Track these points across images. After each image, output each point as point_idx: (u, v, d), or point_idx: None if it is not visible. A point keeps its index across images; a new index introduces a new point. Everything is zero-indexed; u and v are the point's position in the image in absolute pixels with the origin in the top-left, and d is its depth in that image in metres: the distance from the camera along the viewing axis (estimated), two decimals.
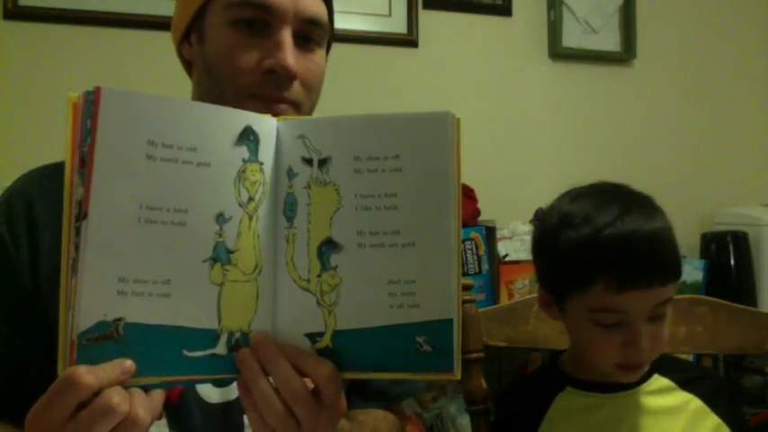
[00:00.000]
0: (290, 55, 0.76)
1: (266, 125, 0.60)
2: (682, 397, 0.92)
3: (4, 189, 0.79)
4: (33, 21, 1.71)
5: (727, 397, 0.95)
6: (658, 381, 0.93)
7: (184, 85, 0.86)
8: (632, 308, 0.83)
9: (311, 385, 0.58)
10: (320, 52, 0.82)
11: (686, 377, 0.94)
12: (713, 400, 0.92)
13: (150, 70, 1.74)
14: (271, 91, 0.76)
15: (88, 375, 0.50)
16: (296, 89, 0.78)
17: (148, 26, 1.77)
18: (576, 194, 0.90)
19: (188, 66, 0.86)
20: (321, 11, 0.80)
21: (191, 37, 0.82)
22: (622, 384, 0.91)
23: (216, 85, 0.78)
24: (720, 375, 1.10)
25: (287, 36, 0.76)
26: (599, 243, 0.83)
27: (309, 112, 0.82)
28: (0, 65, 1.69)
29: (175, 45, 0.86)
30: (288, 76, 0.76)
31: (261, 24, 0.76)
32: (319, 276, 0.58)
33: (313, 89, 0.81)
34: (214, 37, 0.78)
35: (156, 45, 1.76)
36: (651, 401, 0.91)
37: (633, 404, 0.91)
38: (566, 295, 0.87)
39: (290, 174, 0.60)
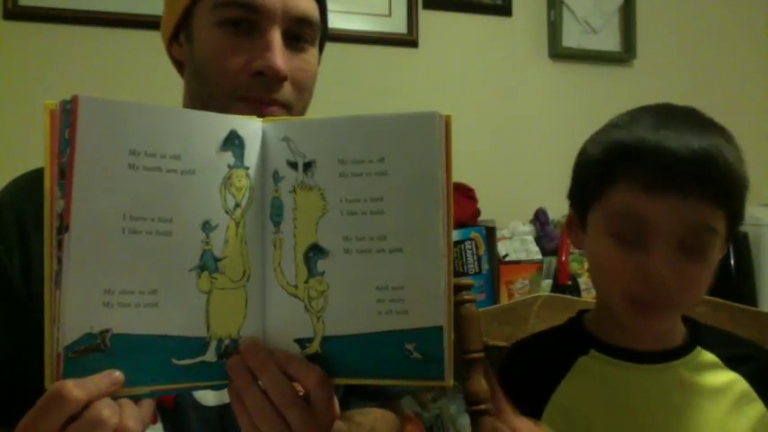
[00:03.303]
0: (278, 56, 0.74)
1: (251, 128, 0.59)
2: (726, 376, 0.78)
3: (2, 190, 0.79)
4: (33, 21, 1.71)
5: None
6: (701, 355, 0.79)
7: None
8: (658, 219, 0.70)
9: (302, 391, 0.58)
10: (312, 51, 0.80)
11: (734, 353, 0.80)
12: (763, 385, 0.79)
13: (150, 70, 1.73)
14: (260, 93, 0.75)
15: (76, 389, 0.50)
16: (286, 90, 0.76)
17: (148, 26, 1.75)
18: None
19: (179, 65, 0.85)
20: (312, 8, 0.78)
21: (179, 37, 0.81)
22: (657, 354, 0.78)
23: (204, 87, 0.77)
24: None
25: (276, 36, 0.75)
26: (630, 135, 0.72)
27: (301, 113, 0.80)
28: (0, 65, 1.69)
29: (165, 45, 0.85)
30: (277, 78, 0.75)
31: (249, 24, 0.75)
32: (306, 282, 0.58)
33: (304, 89, 0.79)
34: (202, 38, 0.77)
35: (156, 45, 1.75)
36: (690, 378, 0.78)
37: (669, 379, 0.78)
38: (588, 205, 0.77)
39: (277, 177, 0.58)
